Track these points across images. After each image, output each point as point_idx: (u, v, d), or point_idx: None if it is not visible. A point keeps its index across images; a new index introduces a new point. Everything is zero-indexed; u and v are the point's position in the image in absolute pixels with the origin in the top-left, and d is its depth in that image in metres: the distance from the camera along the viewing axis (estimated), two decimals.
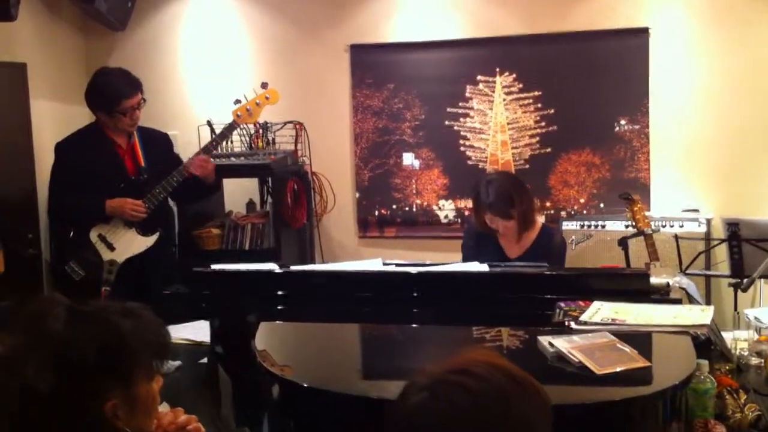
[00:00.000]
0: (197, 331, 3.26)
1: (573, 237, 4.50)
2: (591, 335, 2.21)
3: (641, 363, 2.03)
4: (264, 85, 4.22)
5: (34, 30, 4.86)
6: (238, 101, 4.20)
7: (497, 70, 4.92)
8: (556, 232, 3.83)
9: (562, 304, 2.52)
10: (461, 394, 1.18)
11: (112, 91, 3.95)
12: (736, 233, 3.70)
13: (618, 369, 2.00)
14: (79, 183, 3.99)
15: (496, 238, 3.64)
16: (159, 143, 4.26)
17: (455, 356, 1.25)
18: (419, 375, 1.23)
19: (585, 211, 4.87)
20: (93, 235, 4.00)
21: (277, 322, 2.76)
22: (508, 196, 3.52)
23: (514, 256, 3.61)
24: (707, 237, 4.26)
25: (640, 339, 2.24)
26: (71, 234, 4.05)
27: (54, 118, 4.93)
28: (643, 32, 4.72)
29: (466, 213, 5.06)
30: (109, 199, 3.97)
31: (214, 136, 4.50)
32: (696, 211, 4.62)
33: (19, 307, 1.58)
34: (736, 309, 3.61)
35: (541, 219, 4.75)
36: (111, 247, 4.00)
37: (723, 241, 3.82)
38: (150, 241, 4.07)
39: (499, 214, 3.52)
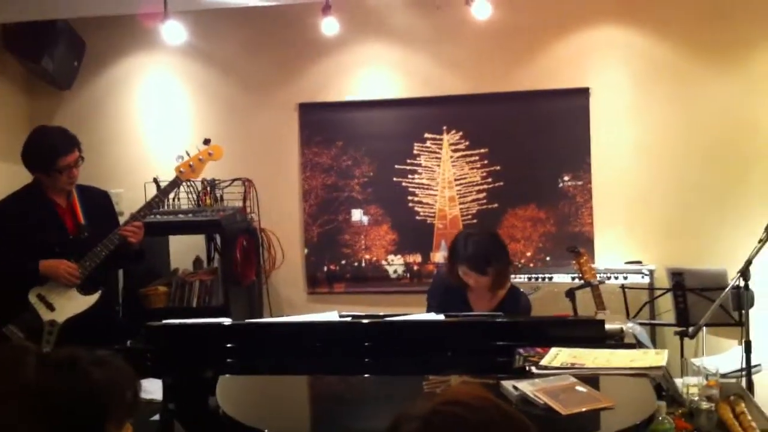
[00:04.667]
0: (146, 389, 3.19)
1: (521, 290, 4.56)
2: (553, 378, 2.24)
3: (605, 403, 2.07)
4: (206, 141, 4.17)
5: None
6: (180, 157, 4.15)
7: (444, 128, 5.04)
8: (523, 294, 3.85)
9: (521, 351, 2.55)
10: (456, 424, 1.18)
11: (49, 149, 3.84)
12: (680, 283, 3.81)
13: (583, 409, 2.03)
14: (18, 244, 3.88)
15: (464, 294, 3.61)
16: (98, 200, 4.16)
17: (444, 390, 1.26)
18: (410, 407, 1.23)
19: (532, 264, 4.96)
20: (32, 296, 3.86)
21: (235, 375, 2.73)
22: (486, 252, 3.51)
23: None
24: (651, 287, 4.37)
25: (600, 382, 2.28)
26: (9, 295, 3.93)
27: None
28: (584, 92, 4.90)
29: (415, 268, 5.10)
30: (44, 260, 3.87)
31: (157, 192, 4.43)
32: (639, 263, 4.75)
33: None
34: (682, 356, 3.69)
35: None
36: (51, 307, 3.87)
37: (669, 290, 3.92)
38: (91, 300, 3.93)
39: (474, 269, 3.50)
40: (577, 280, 4.00)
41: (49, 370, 1.47)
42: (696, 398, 2.76)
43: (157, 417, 2.98)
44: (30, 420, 1.40)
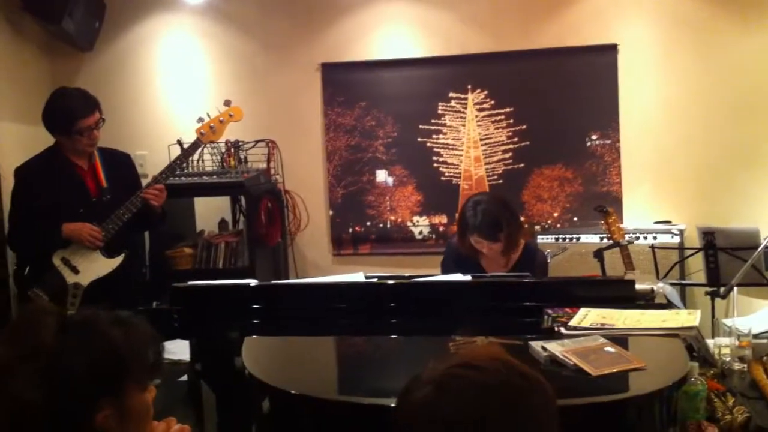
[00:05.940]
0: (173, 350, 3.20)
1: (548, 250, 4.49)
2: (583, 339, 2.21)
3: (636, 364, 2.03)
4: (227, 103, 4.16)
5: None
6: (201, 119, 4.13)
7: (469, 87, 4.96)
8: (538, 250, 3.80)
9: (550, 311, 2.52)
10: (468, 388, 1.16)
11: (69, 112, 3.83)
12: (711, 242, 3.74)
13: (614, 370, 2.00)
14: (41, 207, 3.88)
15: (477, 261, 3.58)
16: (120, 163, 4.16)
17: (459, 352, 1.23)
18: (423, 371, 1.21)
19: (559, 225, 4.91)
20: (56, 259, 3.88)
21: (261, 336, 2.72)
22: (496, 218, 3.45)
23: None
24: (681, 247, 4.30)
25: (630, 342, 2.24)
26: (33, 259, 3.94)
27: (18, 140, 4.83)
28: (612, 49, 4.79)
29: (441, 229, 5.06)
30: (68, 223, 3.86)
31: (179, 155, 4.41)
32: (668, 222, 4.68)
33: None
34: (713, 317, 3.63)
35: None
36: (75, 270, 3.88)
37: (699, 250, 3.85)
38: (115, 263, 3.94)
39: (485, 237, 3.45)
40: (605, 241, 3.95)
41: (67, 332, 1.45)
42: (728, 359, 2.73)
43: (184, 378, 2.99)
44: (47, 383, 1.39)
